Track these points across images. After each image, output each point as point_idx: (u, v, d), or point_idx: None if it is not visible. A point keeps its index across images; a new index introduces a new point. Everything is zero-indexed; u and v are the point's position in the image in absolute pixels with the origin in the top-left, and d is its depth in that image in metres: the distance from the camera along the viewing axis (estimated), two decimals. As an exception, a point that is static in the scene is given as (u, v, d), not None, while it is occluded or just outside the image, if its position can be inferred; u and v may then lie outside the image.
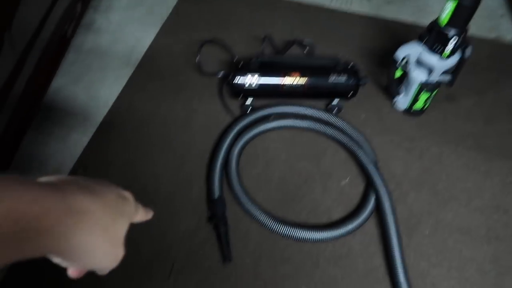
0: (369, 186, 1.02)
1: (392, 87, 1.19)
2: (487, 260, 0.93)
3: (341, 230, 0.93)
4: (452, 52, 1.06)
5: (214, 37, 1.37)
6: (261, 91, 1.15)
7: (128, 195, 0.38)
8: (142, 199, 0.99)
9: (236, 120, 1.14)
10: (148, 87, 1.27)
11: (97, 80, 1.30)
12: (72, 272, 0.35)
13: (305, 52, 1.37)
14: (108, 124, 1.16)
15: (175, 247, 0.92)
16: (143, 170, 1.05)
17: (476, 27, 1.54)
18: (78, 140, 1.12)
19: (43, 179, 0.32)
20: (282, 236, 0.93)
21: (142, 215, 0.42)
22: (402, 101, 1.20)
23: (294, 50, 1.38)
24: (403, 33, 1.49)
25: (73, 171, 1.03)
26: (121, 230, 0.35)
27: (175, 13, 1.54)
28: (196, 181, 1.03)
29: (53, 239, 0.26)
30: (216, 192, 0.97)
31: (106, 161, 1.07)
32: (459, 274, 0.91)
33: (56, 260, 0.30)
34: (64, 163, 1.06)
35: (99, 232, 0.31)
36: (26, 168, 1.07)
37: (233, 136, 1.09)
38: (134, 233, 0.81)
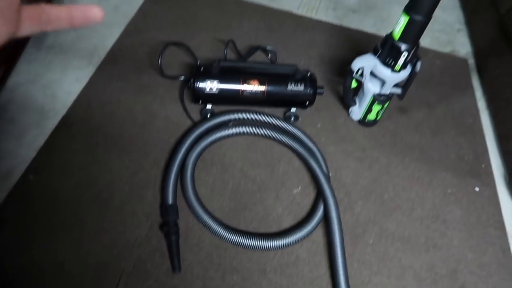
0: (319, 195, 1.06)
1: (347, 97, 1.24)
2: (424, 268, 0.99)
3: (289, 238, 0.97)
4: (404, 66, 1.10)
5: (177, 40, 1.38)
6: (221, 97, 1.17)
7: None
8: (96, 206, 1.00)
9: (194, 126, 1.16)
10: (109, 88, 1.26)
11: (56, 79, 1.28)
12: None
13: (268, 57, 1.40)
14: (64, 126, 1.15)
15: (125, 256, 0.93)
16: (98, 175, 1.05)
17: (433, 40, 1.61)
18: (32, 142, 1.11)
19: None
20: (233, 244, 0.96)
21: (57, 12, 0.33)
22: (357, 111, 1.25)
23: (258, 56, 1.41)
24: (365, 43, 1.54)
25: (23, 178, 1.02)
26: None
27: (141, 13, 1.52)
28: (150, 188, 1.04)
29: None
30: (169, 199, 0.99)
31: (61, 165, 1.06)
32: (398, 282, 0.97)
33: None
34: (16, 167, 1.05)
35: None
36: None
37: (190, 142, 1.11)
38: (84, 243, 0.81)
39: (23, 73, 1.28)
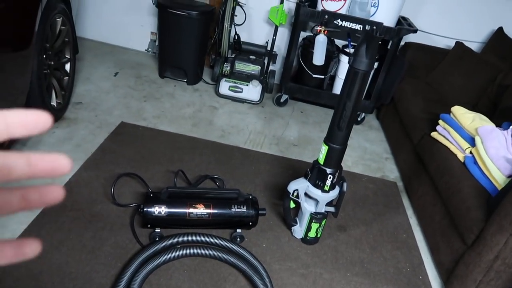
0: (264, 313, 1.06)
1: (288, 217, 1.34)
2: None
3: None
4: (332, 187, 1.25)
5: (130, 171, 1.50)
6: (169, 221, 1.24)
7: None
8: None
9: (142, 250, 1.19)
10: (61, 217, 1.31)
11: (8, 210, 1.32)
12: None
13: (217, 184, 1.53)
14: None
15: None
16: (36, 303, 1.02)
17: (365, 168, 1.82)
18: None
19: None
20: None
21: None
22: (298, 230, 1.34)
23: (207, 184, 1.53)
24: (305, 170, 1.72)
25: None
26: None
27: (101, 149, 1.67)
28: (91, 314, 1.02)
29: None
30: (109, 324, 0.97)
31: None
32: None
33: None
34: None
35: None
36: None
37: (136, 266, 1.13)
38: None
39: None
